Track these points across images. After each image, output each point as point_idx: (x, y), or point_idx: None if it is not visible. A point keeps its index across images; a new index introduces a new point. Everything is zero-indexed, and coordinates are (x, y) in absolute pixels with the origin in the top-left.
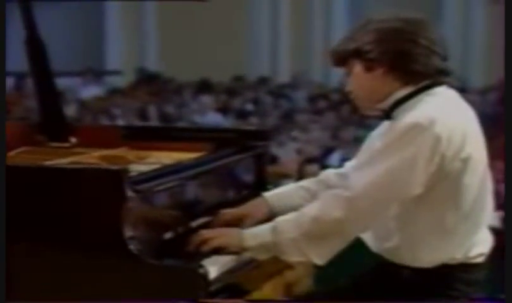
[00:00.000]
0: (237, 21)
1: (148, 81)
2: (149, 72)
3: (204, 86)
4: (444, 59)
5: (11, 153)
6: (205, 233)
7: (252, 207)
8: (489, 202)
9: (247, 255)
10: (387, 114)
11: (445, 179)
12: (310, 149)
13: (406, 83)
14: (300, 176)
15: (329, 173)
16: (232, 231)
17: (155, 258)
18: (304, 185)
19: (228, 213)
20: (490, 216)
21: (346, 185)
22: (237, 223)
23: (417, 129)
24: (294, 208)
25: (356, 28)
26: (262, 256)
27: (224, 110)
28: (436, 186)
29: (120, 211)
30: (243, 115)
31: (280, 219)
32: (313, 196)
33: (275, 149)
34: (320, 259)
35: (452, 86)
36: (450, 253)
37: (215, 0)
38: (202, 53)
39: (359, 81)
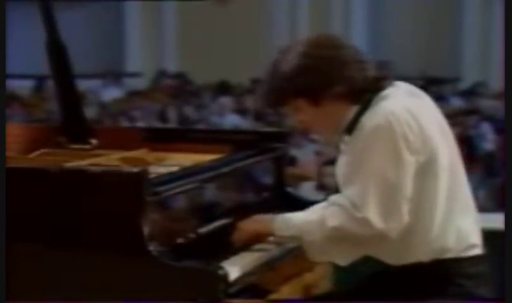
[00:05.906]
0: (256, 23)
1: (170, 81)
2: (172, 73)
3: (223, 88)
4: (373, 65)
5: (32, 155)
6: (241, 224)
7: None
8: (464, 192)
9: (267, 256)
10: (349, 132)
11: (421, 173)
12: (329, 150)
13: (355, 101)
14: (319, 178)
15: None
16: (265, 220)
17: (175, 260)
18: None
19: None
20: (471, 208)
21: (353, 203)
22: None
23: (379, 129)
24: None
25: (278, 66)
26: (294, 244)
27: (242, 111)
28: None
29: (139, 212)
30: (261, 116)
31: (306, 217)
32: None
33: (293, 151)
34: (343, 261)
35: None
36: (435, 247)
37: (234, 2)
38: (221, 54)
39: (312, 116)
